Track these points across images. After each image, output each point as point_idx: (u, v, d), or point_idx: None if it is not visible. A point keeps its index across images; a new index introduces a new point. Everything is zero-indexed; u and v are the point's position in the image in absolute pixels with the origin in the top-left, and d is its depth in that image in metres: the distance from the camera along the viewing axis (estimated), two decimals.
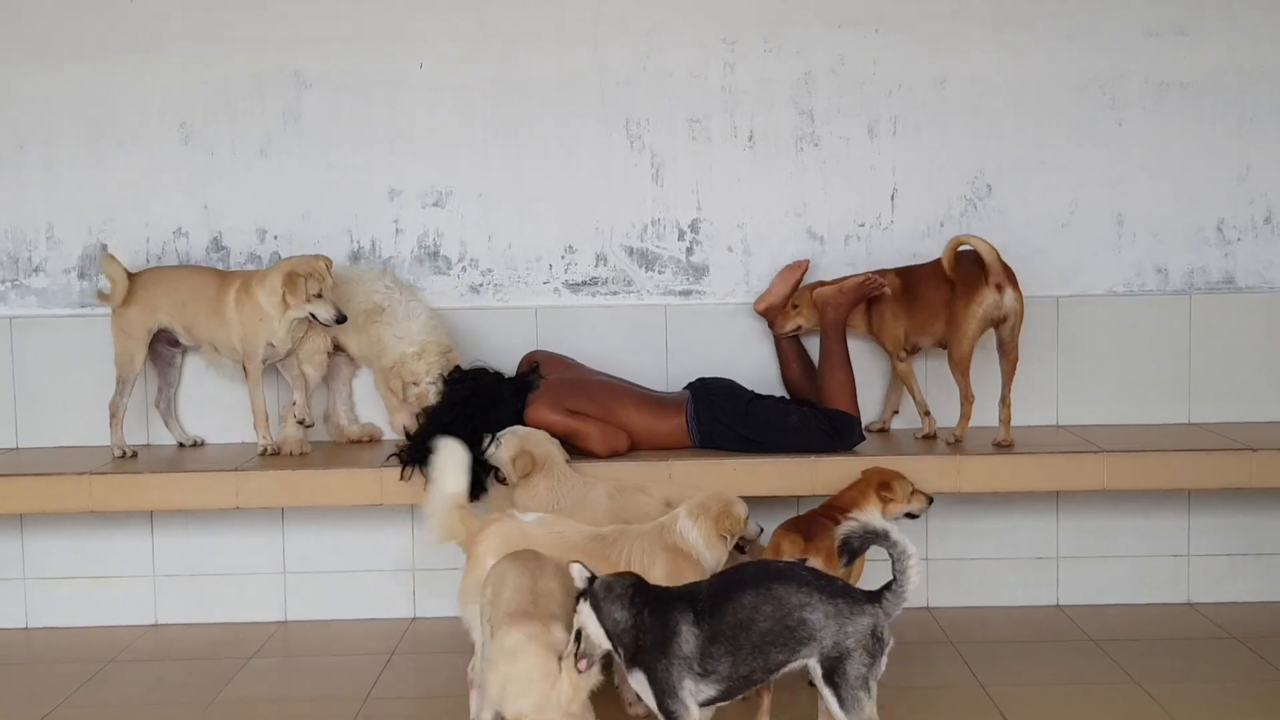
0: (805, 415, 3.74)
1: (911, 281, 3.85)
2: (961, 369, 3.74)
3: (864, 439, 3.75)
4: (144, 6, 4.00)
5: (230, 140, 4.03)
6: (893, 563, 2.68)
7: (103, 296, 3.87)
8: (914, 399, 3.89)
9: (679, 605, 2.67)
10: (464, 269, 4.09)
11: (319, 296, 3.68)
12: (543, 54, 4.02)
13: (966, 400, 3.77)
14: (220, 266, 4.02)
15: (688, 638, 2.63)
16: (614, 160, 4.05)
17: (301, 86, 4.02)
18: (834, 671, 2.62)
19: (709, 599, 2.67)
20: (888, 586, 2.68)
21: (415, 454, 3.55)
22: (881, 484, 3.39)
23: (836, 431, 3.72)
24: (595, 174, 4.05)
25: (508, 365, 3.89)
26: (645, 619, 2.65)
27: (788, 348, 3.96)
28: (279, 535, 4.04)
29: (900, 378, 3.89)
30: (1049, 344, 4.03)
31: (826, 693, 2.65)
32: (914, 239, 4.05)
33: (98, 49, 4.00)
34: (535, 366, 3.81)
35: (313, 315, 3.71)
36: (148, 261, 4.04)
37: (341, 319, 3.71)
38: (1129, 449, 3.67)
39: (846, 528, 2.77)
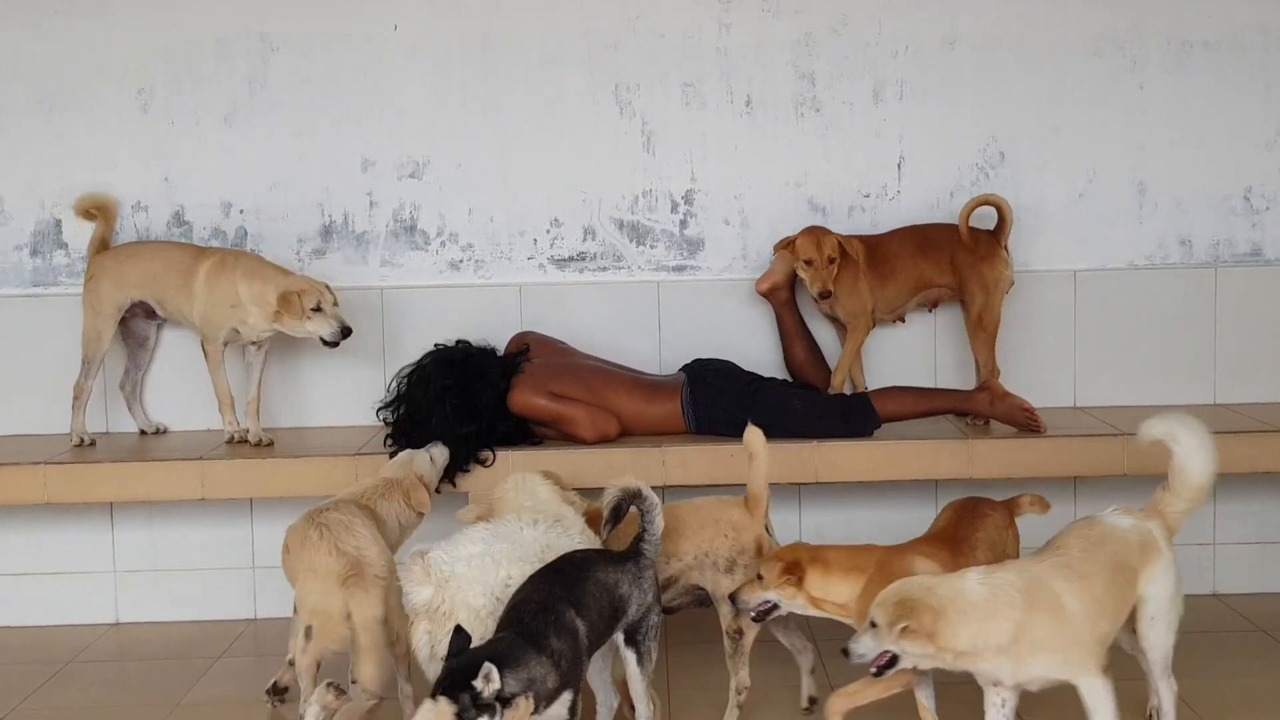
0: (811, 399, 3.67)
1: (879, 250, 3.82)
2: (992, 340, 3.76)
3: (880, 425, 3.65)
4: None
5: (192, 108, 3.98)
6: (641, 515, 2.83)
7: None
8: (854, 378, 3.88)
9: (563, 607, 2.59)
10: (443, 244, 4.03)
11: (318, 310, 3.61)
12: (525, 14, 3.97)
13: (994, 375, 3.77)
14: (261, 261, 3.95)
15: (583, 631, 2.61)
16: (602, 128, 4.00)
17: (268, 50, 3.96)
18: (635, 631, 2.75)
19: (572, 598, 2.63)
20: (640, 538, 2.82)
21: (408, 434, 3.54)
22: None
23: (849, 415, 3.63)
24: (582, 143, 4.01)
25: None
26: (556, 645, 2.53)
27: (791, 326, 3.84)
28: (247, 528, 3.99)
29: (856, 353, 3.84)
30: (1065, 321, 4.02)
31: (629, 655, 2.76)
32: (923, 210, 3.98)
33: (49, 11, 3.94)
34: (524, 348, 3.76)
35: (321, 339, 3.63)
36: None
37: (347, 332, 3.63)
38: None
39: (612, 494, 2.87)
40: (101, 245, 3.80)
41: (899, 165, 3.98)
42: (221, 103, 3.95)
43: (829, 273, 3.66)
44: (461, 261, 4.01)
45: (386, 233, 4.00)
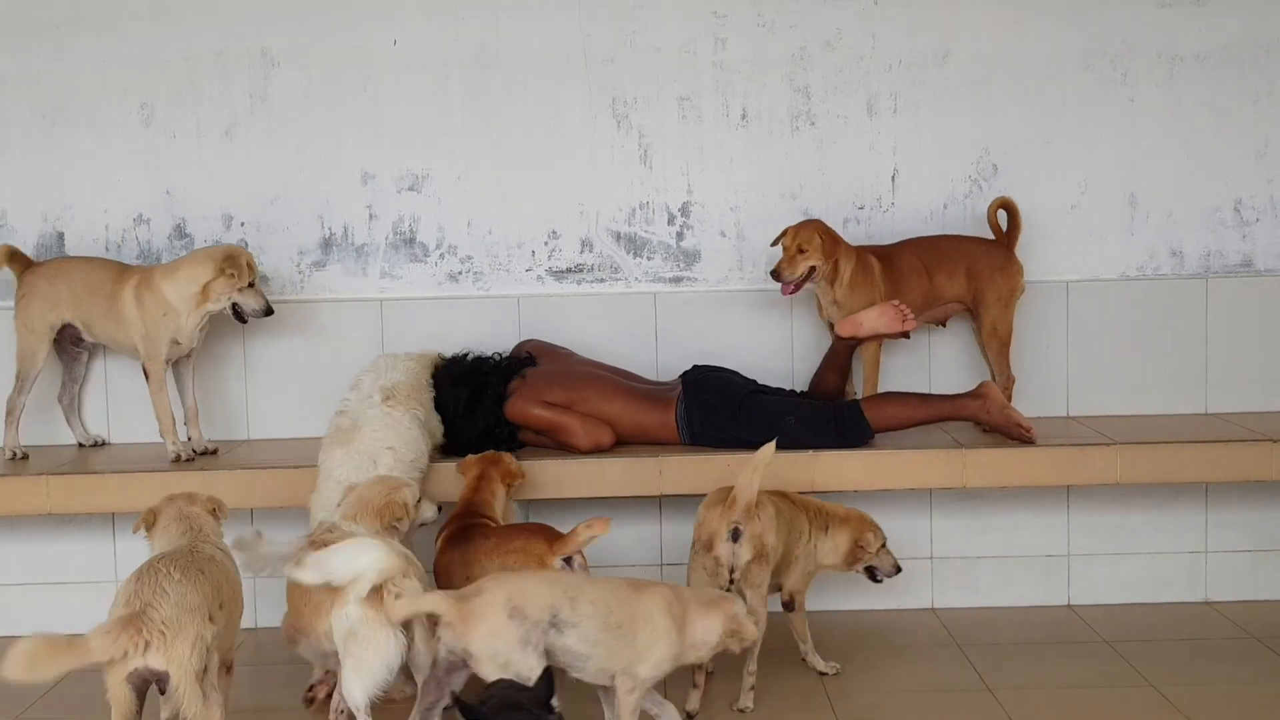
0: (805, 415, 3.64)
1: (890, 264, 3.83)
2: (1006, 350, 3.79)
3: (874, 435, 3.66)
4: None
5: (194, 122, 4.00)
6: None
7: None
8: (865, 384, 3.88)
9: None
10: (442, 256, 4.05)
11: (250, 286, 3.67)
12: (523, 29, 3.99)
13: (1012, 382, 3.82)
14: (176, 259, 3.95)
15: None
16: (600, 141, 4.02)
17: (269, 65, 3.99)
18: None
19: None
20: None
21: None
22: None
23: (842, 427, 3.63)
24: (580, 156, 4.03)
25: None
26: None
27: (842, 363, 3.77)
28: None
29: (869, 362, 3.83)
30: (1058, 331, 4.02)
31: None
32: (916, 222, 4.00)
33: (53, 26, 3.96)
34: (529, 356, 3.81)
35: (235, 308, 3.66)
36: (107, 250, 4.00)
37: (269, 311, 3.69)
38: (1143, 441, 3.64)
39: None
40: (25, 264, 3.74)
41: (893, 178, 4.00)
42: (223, 117, 3.97)
43: (790, 261, 3.67)
44: (460, 273, 4.03)
45: (386, 245, 4.01)
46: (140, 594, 2.64)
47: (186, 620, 2.63)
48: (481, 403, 3.65)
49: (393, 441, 3.37)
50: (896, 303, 3.69)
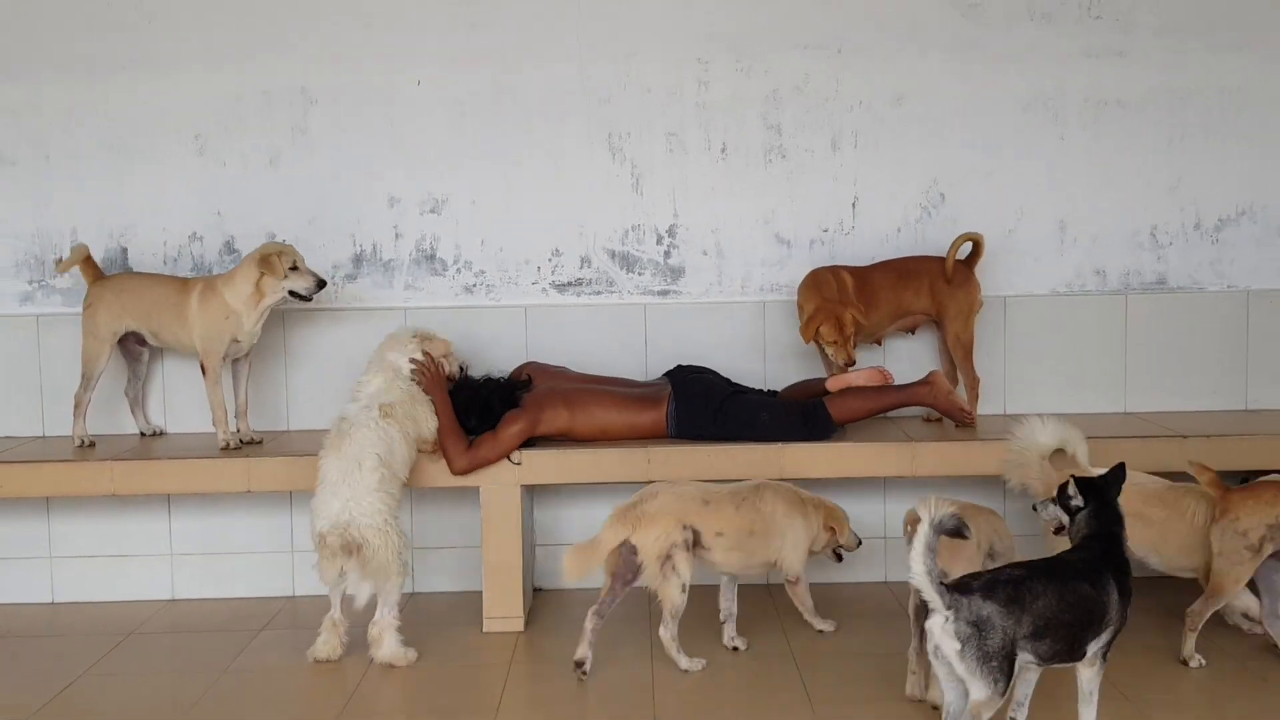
0: (777, 412, 3.87)
1: (865, 281, 4.07)
2: (970, 355, 4.02)
3: (837, 429, 3.88)
4: (162, 27, 4.17)
5: (242, 152, 4.20)
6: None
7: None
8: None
9: None
10: (459, 270, 4.26)
11: (294, 269, 3.84)
12: (531, 72, 4.19)
13: (977, 383, 4.04)
14: (232, 268, 4.17)
15: None
16: (597, 170, 4.22)
17: (308, 102, 4.20)
18: None
19: None
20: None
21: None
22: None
23: (809, 422, 3.86)
24: (580, 183, 4.22)
25: (500, 359, 4.14)
26: None
27: (811, 391, 3.96)
28: (287, 517, 4.22)
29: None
30: (997, 340, 4.25)
31: None
32: (874, 244, 4.25)
33: (119, 67, 4.17)
34: (527, 381, 3.97)
35: (292, 293, 3.84)
36: (164, 264, 4.23)
37: (322, 284, 3.85)
38: None
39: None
40: (96, 274, 3.97)
41: (853, 205, 4.22)
42: (267, 147, 4.17)
43: (840, 346, 3.86)
44: (475, 286, 4.22)
45: (410, 260, 4.21)
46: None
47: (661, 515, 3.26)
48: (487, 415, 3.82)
49: (379, 449, 3.52)
50: (882, 368, 3.95)
